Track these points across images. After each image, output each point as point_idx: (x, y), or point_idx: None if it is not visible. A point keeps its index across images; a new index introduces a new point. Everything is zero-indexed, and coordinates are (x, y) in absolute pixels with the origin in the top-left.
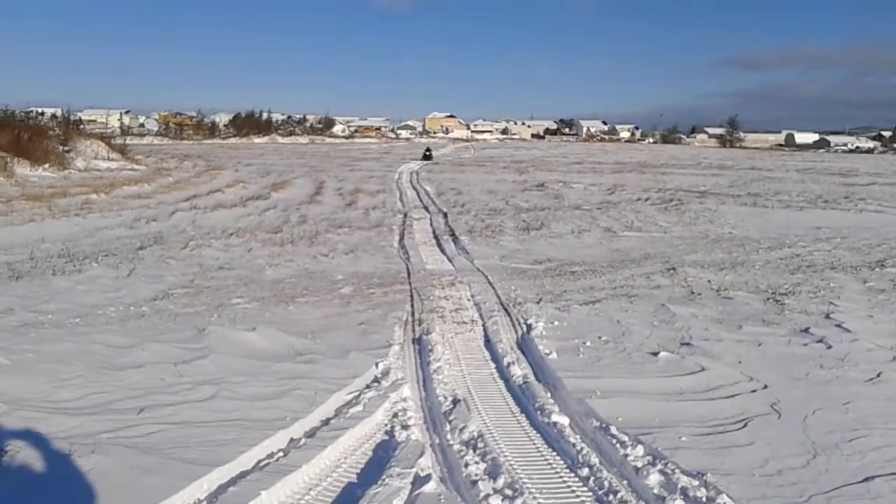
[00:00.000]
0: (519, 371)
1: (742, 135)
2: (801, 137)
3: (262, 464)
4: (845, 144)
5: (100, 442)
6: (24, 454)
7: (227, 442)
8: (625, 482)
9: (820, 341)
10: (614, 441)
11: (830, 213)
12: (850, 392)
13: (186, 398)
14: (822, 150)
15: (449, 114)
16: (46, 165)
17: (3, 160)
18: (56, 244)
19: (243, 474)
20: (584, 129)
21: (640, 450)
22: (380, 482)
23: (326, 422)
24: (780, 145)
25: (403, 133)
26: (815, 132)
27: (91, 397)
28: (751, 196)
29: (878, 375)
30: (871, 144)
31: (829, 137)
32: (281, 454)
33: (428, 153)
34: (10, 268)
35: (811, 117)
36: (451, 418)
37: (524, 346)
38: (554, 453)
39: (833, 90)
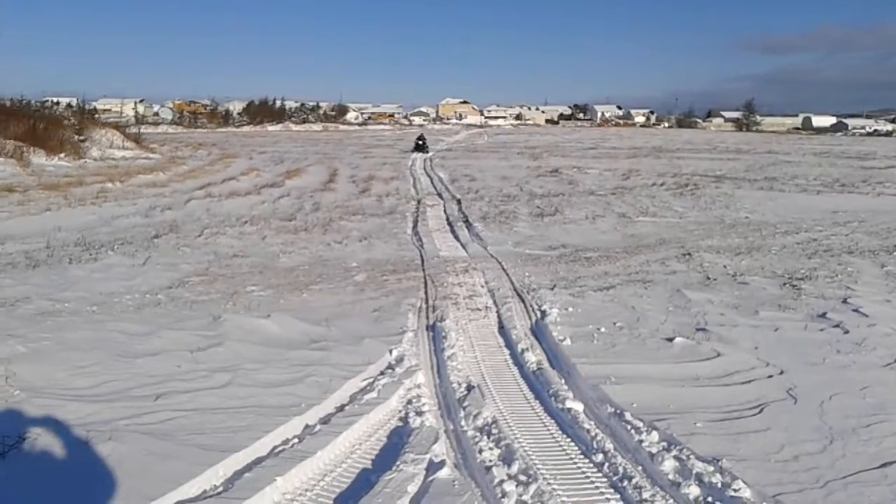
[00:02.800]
0: (533, 357)
1: (759, 118)
2: (819, 121)
3: (277, 450)
4: (863, 127)
5: (117, 428)
6: (43, 440)
7: (242, 428)
8: (639, 468)
9: (837, 326)
10: (629, 427)
11: (848, 196)
12: (867, 377)
13: (202, 385)
14: (839, 134)
15: (462, 100)
16: (62, 155)
17: (19, 149)
18: (72, 233)
19: (259, 460)
20: (599, 114)
21: (654, 436)
22: (394, 468)
23: (341, 408)
24: (797, 129)
25: (417, 119)
26: (833, 115)
27: (108, 384)
28: (767, 180)
29: None
30: (889, 127)
31: (847, 120)
32: (296, 440)
33: (421, 143)
34: (27, 256)
35: (829, 100)
36: (465, 405)
37: (538, 332)
38: (568, 439)
39: (853, 72)
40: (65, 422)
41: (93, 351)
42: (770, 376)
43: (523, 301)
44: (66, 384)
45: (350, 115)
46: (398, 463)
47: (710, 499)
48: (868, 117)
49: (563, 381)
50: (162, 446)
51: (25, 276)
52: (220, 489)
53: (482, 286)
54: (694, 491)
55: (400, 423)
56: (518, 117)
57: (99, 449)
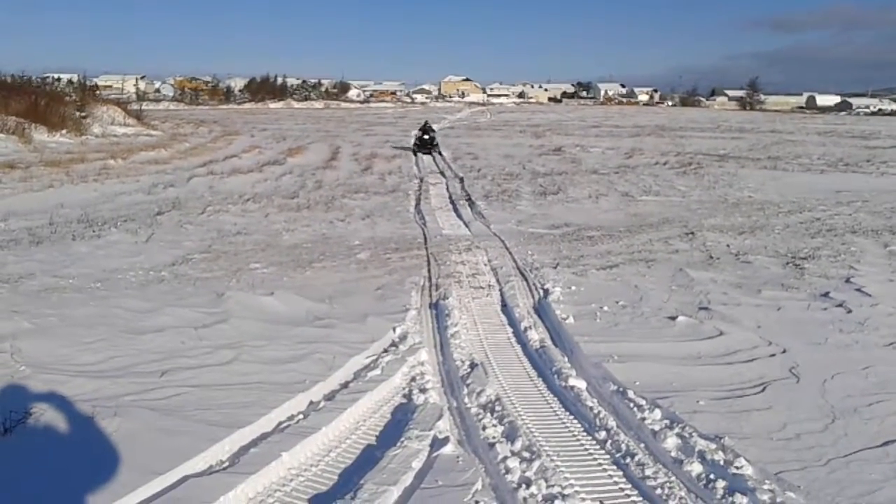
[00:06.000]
0: (536, 335)
1: (762, 97)
2: (823, 100)
3: (282, 426)
4: (867, 107)
5: (122, 404)
6: (49, 416)
7: (247, 404)
8: (642, 445)
9: (840, 305)
10: (631, 405)
11: (851, 176)
12: (869, 356)
13: (207, 361)
14: (843, 113)
15: (465, 77)
16: (64, 131)
17: (20, 126)
18: (75, 209)
19: (264, 436)
20: (602, 93)
21: (657, 413)
22: (398, 444)
23: (345, 385)
24: (801, 108)
25: (419, 97)
26: (837, 94)
27: (113, 360)
28: (771, 159)
29: None
30: (894, 107)
31: (851, 100)
32: (301, 416)
33: (427, 137)
34: (31, 233)
35: (834, 79)
36: (468, 382)
37: (541, 310)
38: (571, 416)
39: (859, 51)
40: (70, 397)
41: (97, 327)
42: (772, 355)
43: (526, 279)
44: (71, 360)
45: (352, 93)
46: (402, 439)
47: (712, 476)
48: (873, 96)
49: (565, 359)
50: (168, 422)
51: (29, 253)
52: (227, 464)
53: (485, 264)
54: (696, 468)
55: (404, 400)
56: (521, 95)
57: (105, 424)
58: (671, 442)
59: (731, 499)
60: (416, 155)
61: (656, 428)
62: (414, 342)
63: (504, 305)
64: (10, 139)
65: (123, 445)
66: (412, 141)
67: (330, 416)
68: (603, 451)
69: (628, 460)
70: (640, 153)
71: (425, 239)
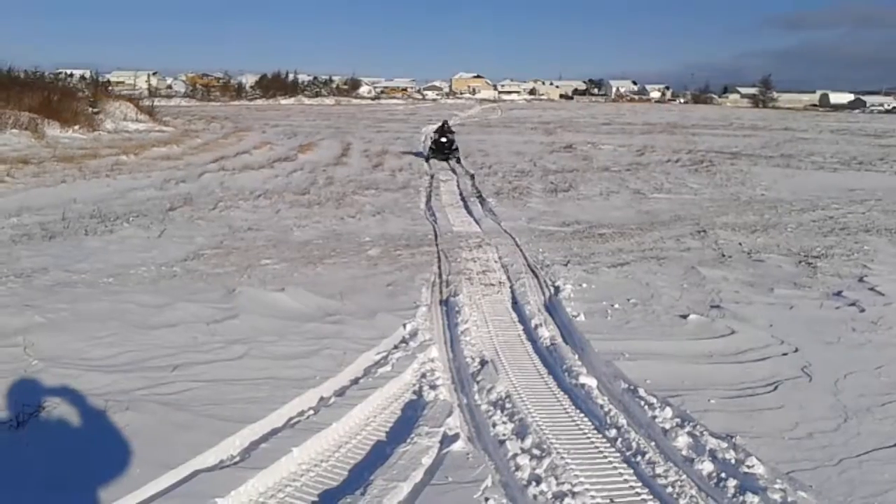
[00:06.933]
0: (546, 333)
1: (775, 95)
2: (836, 97)
3: (292, 421)
4: (881, 105)
5: (134, 399)
6: (61, 410)
7: (258, 400)
8: (652, 443)
9: (853, 304)
10: (642, 403)
11: (865, 174)
12: (883, 356)
13: (218, 357)
14: (857, 111)
15: (476, 74)
16: (76, 127)
17: (33, 122)
18: (87, 205)
19: (275, 431)
20: (614, 90)
21: (668, 412)
22: (408, 440)
23: (355, 381)
24: (815, 105)
25: (430, 94)
26: (851, 92)
27: (125, 355)
28: (783, 157)
29: None
30: None
31: (865, 97)
32: (311, 412)
33: (444, 140)
34: (43, 228)
35: (847, 77)
36: (478, 379)
37: (552, 308)
38: (581, 414)
39: (873, 49)
40: (82, 391)
41: (110, 322)
42: (785, 354)
43: (537, 277)
44: (83, 354)
45: (363, 89)
46: (412, 436)
47: (723, 475)
48: (887, 94)
49: (576, 356)
50: (179, 416)
51: (42, 248)
52: (237, 459)
53: (495, 261)
54: (707, 467)
55: (414, 397)
56: (532, 92)
57: (116, 418)
58: (682, 440)
59: (742, 498)
60: (427, 161)
61: (667, 426)
62: (424, 339)
63: (514, 302)
64: (24, 134)
65: (135, 439)
66: (423, 141)
67: (340, 412)
68: (613, 449)
69: (639, 458)
70: (651, 150)
71: (436, 236)
